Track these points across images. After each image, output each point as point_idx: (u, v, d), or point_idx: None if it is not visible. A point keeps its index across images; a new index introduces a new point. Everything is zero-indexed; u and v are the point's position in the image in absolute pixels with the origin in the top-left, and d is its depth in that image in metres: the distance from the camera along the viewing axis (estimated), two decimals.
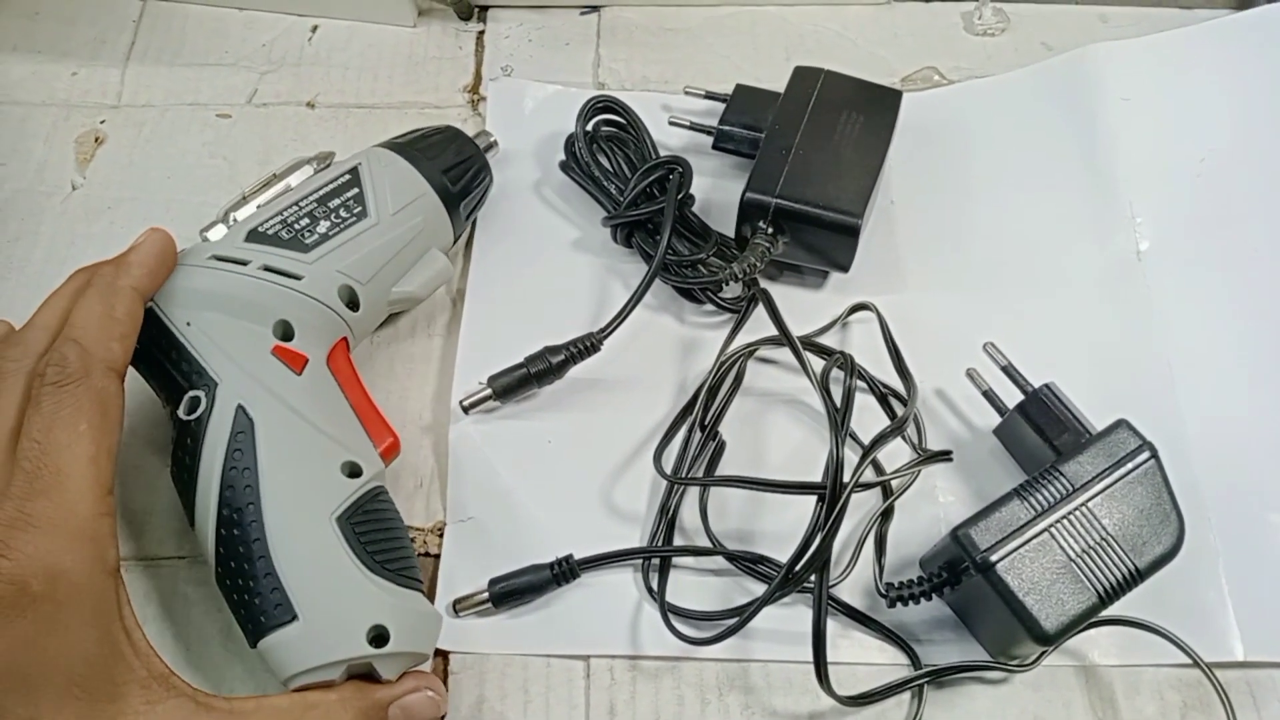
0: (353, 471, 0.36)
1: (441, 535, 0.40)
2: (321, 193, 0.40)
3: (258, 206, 0.39)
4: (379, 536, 0.35)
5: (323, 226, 0.39)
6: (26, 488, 0.30)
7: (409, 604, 0.35)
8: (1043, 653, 0.36)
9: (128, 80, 0.51)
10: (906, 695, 0.37)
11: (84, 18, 0.53)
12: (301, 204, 0.39)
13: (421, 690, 0.34)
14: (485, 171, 0.45)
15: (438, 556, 0.39)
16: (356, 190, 0.40)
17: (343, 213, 0.39)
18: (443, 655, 0.38)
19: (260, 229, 0.38)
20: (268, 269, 0.37)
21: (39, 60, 0.52)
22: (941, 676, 0.37)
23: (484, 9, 0.54)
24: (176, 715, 0.31)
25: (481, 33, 0.53)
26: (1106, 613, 0.35)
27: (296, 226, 0.38)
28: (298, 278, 0.37)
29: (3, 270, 0.46)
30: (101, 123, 0.50)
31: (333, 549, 0.34)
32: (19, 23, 0.53)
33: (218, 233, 0.39)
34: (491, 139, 0.46)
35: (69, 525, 0.30)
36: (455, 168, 0.43)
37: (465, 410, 0.41)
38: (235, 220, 0.39)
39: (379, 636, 0.33)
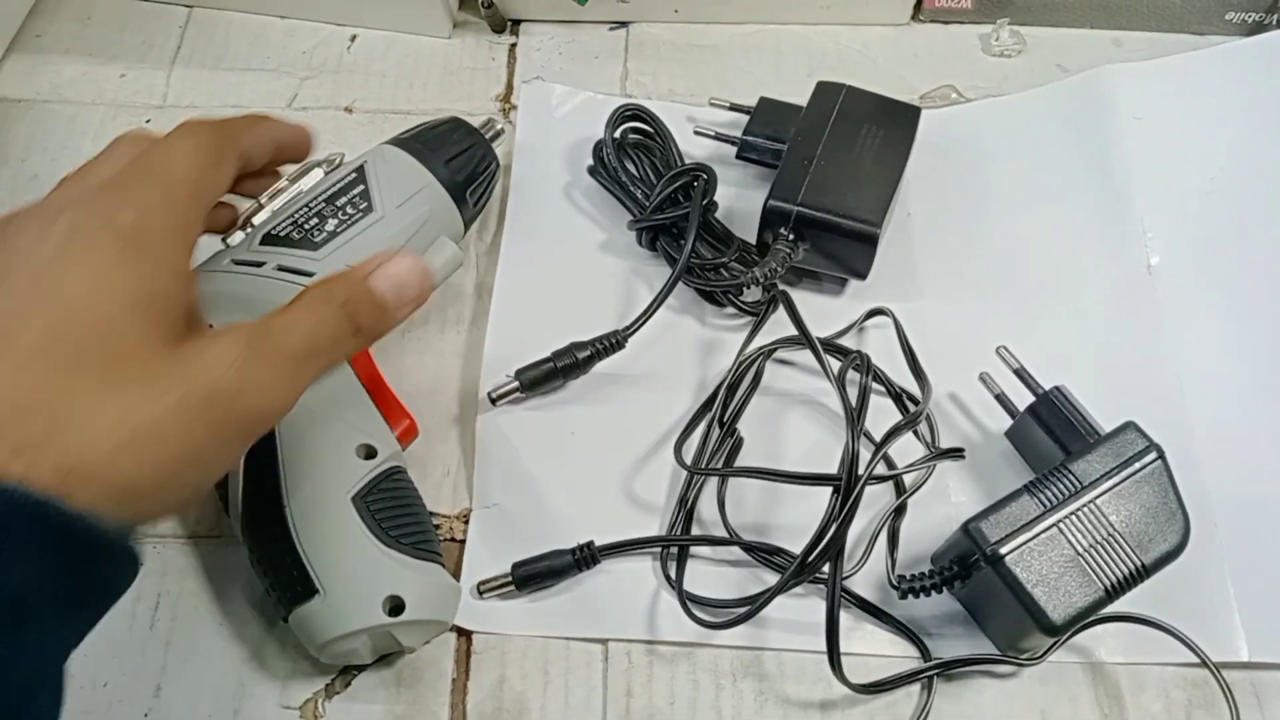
0: (368, 453, 0.38)
1: (467, 521, 0.41)
2: (330, 192, 0.41)
3: (272, 211, 0.41)
4: (395, 513, 0.37)
5: (331, 224, 0.40)
6: (137, 168, 0.32)
7: (425, 575, 0.36)
8: (1050, 646, 0.37)
9: (173, 83, 0.53)
10: (916, 686, 0.38)
11: (132, 24, 0.55)
12: (311, 205, 0.41)
13: (378, 264, 0.33)
14: (489, 157, 0.46)
15: (463, 542, 0.41)
16: (362, 187, 0.42)
17: (349, 210, 0.41)
18: (466, 635, 0.39)
19: (274, 231, 0.40)
20: (282, 268, 0.39)
21: (89, 62, 0.54)
22: (951, 669, 0.38)
23: (516, 23, 0.56)
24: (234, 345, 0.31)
25: (514, 45, 0.55)
26: (1115, 609, 0.36)
27: (306, 226, 0.40)
28: (310, 274, 0.39)
29: None
30: (147, 122, 0.52)
31: (350, 526, 0.36)
32: (72, 27, 0.55)
33: (236, 238, 0.40)
34: (497, 126, 0.47)
35: (172, 190, 0.32)
36: (458, 157, 0.44)
37: (493, 401, 0.43)
38: (252, 225, 0.40)
39: (396, 606, 0.35)
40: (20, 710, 0.27)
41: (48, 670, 0.28)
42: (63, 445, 0.27)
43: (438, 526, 0.41)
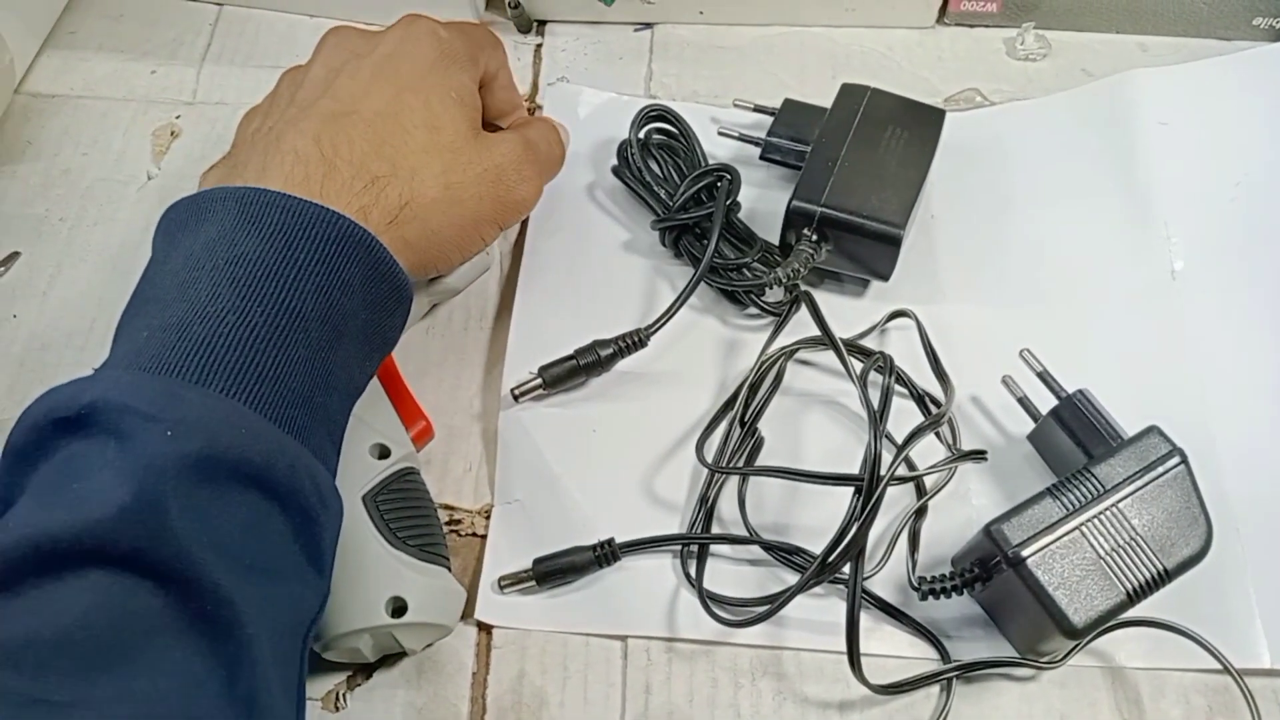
0: (382, 453, 0.38)
1: (489, 517, 0.41)
2: None
3: None
4: (404, 514, 0.37)
5: None
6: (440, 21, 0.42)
7: (430, 578, 0.37)
8: (1071, 650, 0.37)
9: (203, 79, 0.54)
10: (935, 688, 0.38)
11: (164, 21, 0.56)
12: None
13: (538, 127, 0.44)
14: None
15: (485, 537, 0.41)
16: None
17: None
18: (486, 629, 0.39)
19: None
20: None
21: (121, 59, 0.55)
22: (970, 671, 0.38)
23: (542, 23, 0.56)
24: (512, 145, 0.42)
25: (540, 45, 0.55)
26: (1136, 614, 0.36)
27: None
28: None
29: (82, 252, 0.48)
30: (177, 118, 0.53)
31: (359, 526, 0.36)
32: (104, 24, 0.56)
33: None
34: None
35: (468, 30, 0.43)
36: None
37: (515, 398, 0.43)
38: None
39: (398, 608, 0.36)
40: (333, 421, 0.35)
41: (347, 407, 0.36)
42: (400, 184, 0.37)
43: (459, 521, 0.42)
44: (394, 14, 0.55)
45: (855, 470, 0.38)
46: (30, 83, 0.54)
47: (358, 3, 0.55)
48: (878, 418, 0.38)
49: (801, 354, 0.45)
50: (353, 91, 0.38)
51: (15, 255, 0.48)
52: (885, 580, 0.40)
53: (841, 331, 0.44)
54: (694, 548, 0.40)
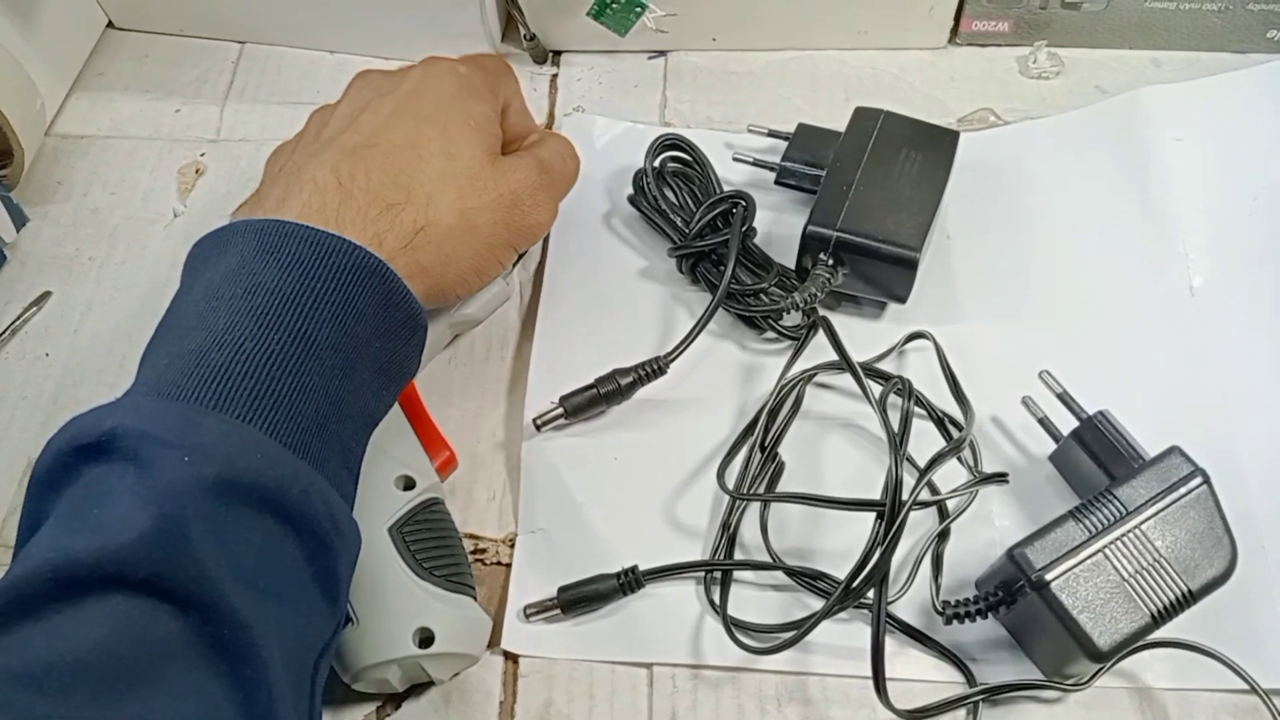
0: (407, 485, 0.39)
1: (513, 545, 0.42)
2: None
3: None
4: (430, 545, 0.38)
5: None
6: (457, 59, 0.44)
7: (456, 609, 0.37)
8: (1096, 672, 0.37)
9: (226, 117, 0.55)
10: (962, 712, 0.38)
11: (188, 60, 0.57)
12: None
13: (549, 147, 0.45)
14: None
15: (509, 565, 0.41)
16: None
17: None
18: (513, 658, 0.40)
19: None
20: None
21: (147, 98, 0.56)
22: (996, 695, 0.38)
23: (558, 54, 0.57)
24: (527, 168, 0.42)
25: (555, 76, 0.56)
26: (1163, 635, 0.36)
27: None
28: None
29: (111, 290, 0.49)
30: (202, 155, 0.54)
31: (386, 558, 0.37)
32: (130, 65, 0.57)
33: None
34: None
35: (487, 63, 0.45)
36: None
37: (538, 427, 0.43)
38: None
39: (426, 639, 0.36)
40: (348, 449, 0.35)
41: (361, 436, 0.36)
42: (416, 210, 0.37)
43: (484, 550, 0.42)
44: (412, 48, 0.56)
45: (877, 494, 0.38)
46: (60, 125, 0.55)
47: (377, 38, 0.56)
48: (898, 442, 0.38)
49: (820, 378, 0.45)
50: (373, 126, 0.39)
51: (47, 295, 0.49)
52: (909, 604, 0.40)
53: (859, 354, 0.44)
54: (717, 574, 0.41)
